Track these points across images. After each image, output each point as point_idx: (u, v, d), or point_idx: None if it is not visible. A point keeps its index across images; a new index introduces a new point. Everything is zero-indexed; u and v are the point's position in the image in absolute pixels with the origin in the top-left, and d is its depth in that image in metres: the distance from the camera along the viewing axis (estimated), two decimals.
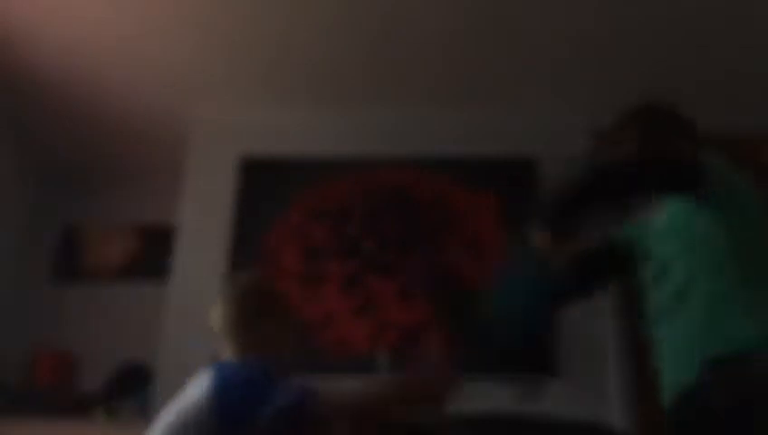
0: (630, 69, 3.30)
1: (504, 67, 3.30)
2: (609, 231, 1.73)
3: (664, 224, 1.67)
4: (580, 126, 3.51)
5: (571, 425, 2.69)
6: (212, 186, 3.40)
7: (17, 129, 3.65)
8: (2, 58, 3.21)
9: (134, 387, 3.23)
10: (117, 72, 3.32)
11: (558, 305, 1.86)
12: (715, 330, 1.49)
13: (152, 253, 3.77)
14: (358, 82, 3.40)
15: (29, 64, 3.25)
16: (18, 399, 3.15)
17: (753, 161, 3.32)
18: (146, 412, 3.00)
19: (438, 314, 2.98)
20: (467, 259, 3.19)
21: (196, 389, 1.62)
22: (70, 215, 3.94)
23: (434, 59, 3.26)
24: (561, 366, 2.97)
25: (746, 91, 3.40)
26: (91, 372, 3.46)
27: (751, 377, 1.41)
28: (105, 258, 3.80)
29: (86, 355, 3.51)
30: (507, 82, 3.39)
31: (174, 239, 3.36)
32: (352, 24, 3.07)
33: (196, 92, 3.46)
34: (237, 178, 3.41)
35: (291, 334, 1.81)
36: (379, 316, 3.08)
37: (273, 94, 3.49)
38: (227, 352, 1.74)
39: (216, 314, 1.77)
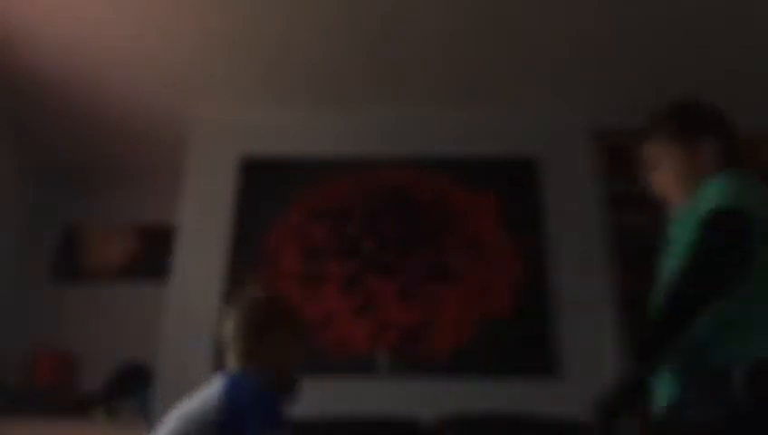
0: (630, 69, 3.30)
1: (504, 67, 3.30)
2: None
3: None
4: (580, 126, 3.52)
5: (570, 425, 2.69)
6: (212, 186, 3.40)
7: (17, 129, 3.65)
8: (2, 58, 3.22)
9: (134, 387, 3.23)
10: (117, 72, 3.32)
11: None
12: None
13: (152, 253, 3.77)
14: (358, 82, 3.40)
15: (29, 64, 3.26)
16: (18, 399, 3.15)
17: (753, 161, 3.32)
18: (146, 412, 3.00)
19: None
20: (467, 259, 3.19)
21: (211, 390, 1.67)
22: (70, 215, 3.94)
23: (434, 59, 3.26)
24: (561, 366, 2.97)
25: (746, 91, 3.40)
26: (91, 372, 3.46)
27: None
28: (105, 258, 3.80)
29: (86, 355, 3.51)
30: (507, 82, 3.39)
31: (174, 239, 3.36)
32: (352, 24, 3.07)
33: (196, 92, 3.46)
34: (237, 178, 3.41)
35: (296, 350, 1.82)
36: (379, 316, 3.08)
37: (273, 94, 3.49)
38: (231, 363, 1.77)
39: (225, 326, 1.81)
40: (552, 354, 2.98)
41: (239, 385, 1.66)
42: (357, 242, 3.23)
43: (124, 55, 3.22)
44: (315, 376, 2.96)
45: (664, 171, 1.79)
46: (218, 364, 2.84)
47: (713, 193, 1.58)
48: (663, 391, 1.57)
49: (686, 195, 1.73)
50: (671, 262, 1.66)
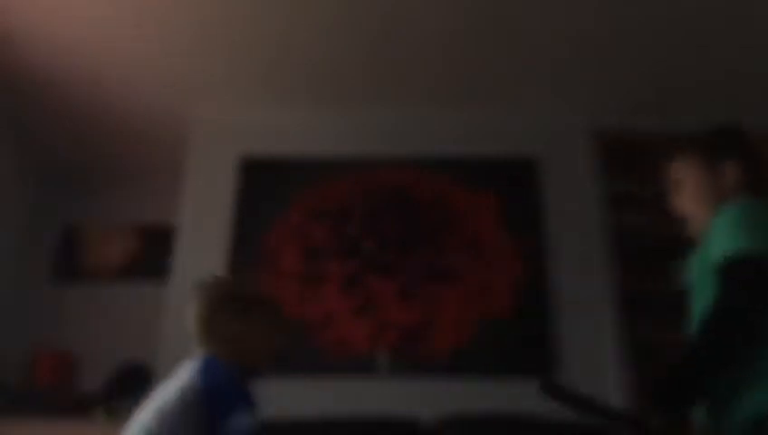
0: (630, 69, 3.30)
1: (504, 67, 3.30)
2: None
3: None
4: (580, 126, 3.52)
5: (570, 425, 2.69)
6: (212, 186, 3.40)
7: (17, 129, 3.65)
8: (2, 58, 3.22)
9: (134, 387, 3.22)
10: (117, 72, 3.32)
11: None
12: None
13: (152, 253, 3.77)
14: (358, 82, 3.40)
15: (29, 64, 3.26)
16: (18, 399, 3.15)
17: None
18: None
19: None
20: (467, 259, 3.19)
21: (185, 374, 1.72)
22: (70, 215, 3.94)
23: (434, 59, 3.26)
24: (561, 366, 2.97)
25: (746, 91, 3.40)
26: (91, 372, 3.46)
27: None
28: (105, 258, 3.80)
29: (86, 355, 3.51)
30: (507, 82, 3.39)
31: (174, 239, 3.36)
32: (352, 24, 3.07)
33: (196, 92, 3.46)
34: (237, 178, 3.41)
35: (265, 337, 1.81)
36: (379, 316, 3.08)
37: (273, 94, 3.49)
38: (198, 350, 1.79)
39: (189, 314, 1.81)
40: (551, 354, 2.98)
41: (213, 364, 1.70)
42: (357, 242, 3.23)
43: (124, 55, 3.22)
44: (315, 376, 2.96)
45: (686, 192, 1.81)
46: None
47: (724, 228, 1.59)
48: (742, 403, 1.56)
49: (706, 217, 1.75)
50: (698, 306, 1.69)
